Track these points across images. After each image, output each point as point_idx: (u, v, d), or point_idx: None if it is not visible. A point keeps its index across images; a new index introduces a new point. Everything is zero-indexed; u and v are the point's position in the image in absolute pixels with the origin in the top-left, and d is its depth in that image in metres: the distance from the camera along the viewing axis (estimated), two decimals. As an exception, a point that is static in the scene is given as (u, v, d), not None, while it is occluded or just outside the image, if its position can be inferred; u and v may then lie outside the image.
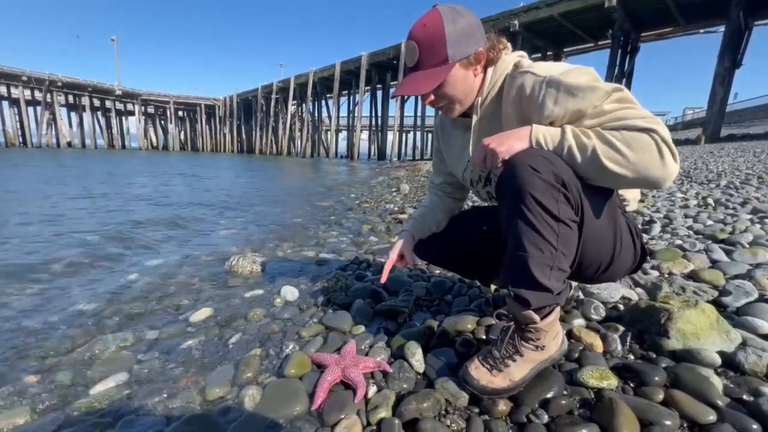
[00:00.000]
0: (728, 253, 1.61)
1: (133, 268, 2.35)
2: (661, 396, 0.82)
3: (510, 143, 0.81)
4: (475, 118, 0.98)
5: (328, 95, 36.17)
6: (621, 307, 1.24)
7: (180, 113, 58.43)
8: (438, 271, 1.84)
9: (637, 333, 1.06)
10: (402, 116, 28.09)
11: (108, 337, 1.40)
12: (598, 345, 1.02)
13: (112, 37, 54.36)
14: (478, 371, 0.88)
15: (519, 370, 0.88)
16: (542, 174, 0.76)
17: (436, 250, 1.30)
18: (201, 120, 56.78)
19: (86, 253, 2.67)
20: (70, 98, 46.35)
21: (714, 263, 1.53)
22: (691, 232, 2.03)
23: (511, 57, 0.94)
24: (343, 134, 41.92)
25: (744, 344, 0.96)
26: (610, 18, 16.59)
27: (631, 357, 0.99)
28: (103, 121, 50.87)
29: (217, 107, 55.02)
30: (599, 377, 0.88)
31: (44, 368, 1.23)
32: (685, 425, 0.75)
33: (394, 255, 1.22)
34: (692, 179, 4.27)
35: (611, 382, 0.87)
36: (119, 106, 51.95)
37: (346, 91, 35.59)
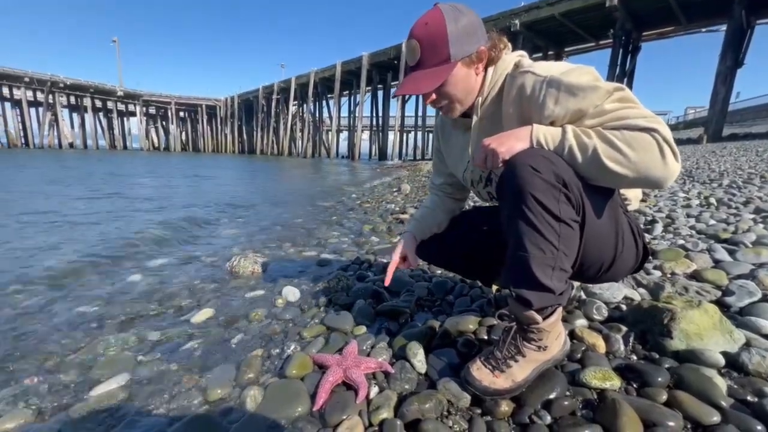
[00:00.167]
0: (731, 252, 1.60)
1: (135, 268, 2.36)
2: (664, 397, 0.81)
3: (510, 143, 0.81)
4: (475, 119, 0.98)
5: (329, 95, 36.20)
6: (623, 307, 1.23)
7: (181, 114, 58.55)
8: (439, 272, 1.84)
9: (640, 333, 1.05)
10: (403, 116, 28.09)
11: (110, 338, 1.40)
12: (601, 345, 1.02)
13: (113, 38, 54.53)
14: (480, 372, 0.88)
15: (521, 370, 0.87)
16: (543, 174, 0.75)
17: (437, 250, 1.30)
18: (202, 121, 56.88)
19: (88, 254, 2.67)
20: (72, 99, 46.54)
21: (717, 263, 1.52)
22: (694, 232, 2.02)
23: (511, 57, 0.93)
24: (344, 134, 41.95)
25: (748, 345, 0.95)
26: (612, 17, 16.56)
27: (634, 357, 0.99)
28: (104, 122, 51.07)
29: (219, 108, 55.10)
30: (602, 378, 0.87)
31: (46, 369, 1.24)
32: (688, 426, 0.75)
33: (396, 257, 1.22)
34: (694, 179, 4.25)
35: (614, 382, 0.86)
36: (121, 107, 52.13)
37: (347, 92, 35.62)
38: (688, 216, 2.39)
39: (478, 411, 0.86)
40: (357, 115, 30.36)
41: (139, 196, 6.24)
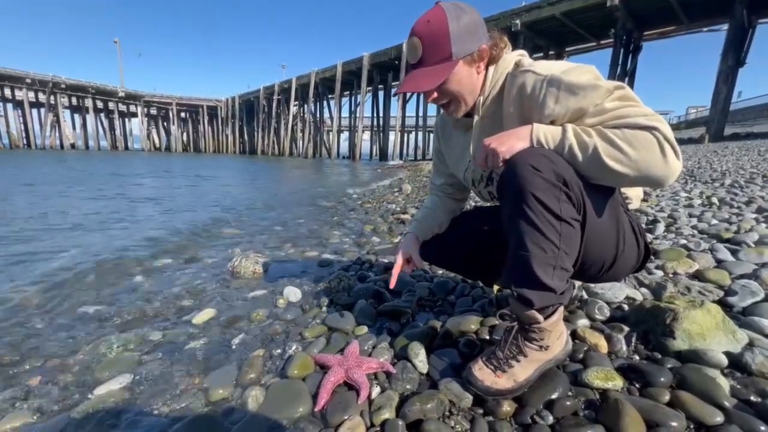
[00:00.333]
0: (733, 252, 1.60)
1: (137, 269, 2.36)
2: (667, 397, 0.81)
3: (511, 143, 0.81)
4: (476, 118, 0.98)
5: (329, 96, 36.20)
6: (625, 307, 1.23)
7: (182, 114, 58.62)
8: (441, 272, 1.84)
9: (642, 333, 1.05)
10: (404, 116, 28.06)
11: (111, 338, 1.40)
12: (603, 345, 1.02)
13: (114, 39, 54.64)
14: (482, 372, 0.88)
15: (523, 370, 0.87)
16: (543, 173, 0.75)
17: (437, 251, 1.30)
18: (203, 121, 56.94)
19: (89, 254, 2.68)
20: (74, 100, 46.65)
21: (719, 263, 1.52)
22: (696, 232, 2.02)
23: (512, 56, 0.93)
24: (344, 135, 41.98)
25: (751, 345, 0.95)
26: (613, 17, 16.53)
27: (637, 357, 0.98)
28: (106, 122, 51.14)
29: (220, 108, 55.16)
30: (604, 378, 0.87)
31: (48, 369, 1.24)
32: (691, 426, 0.75)
33: (400, 259, 1.22)
34: (696, 178, 4.24)
35: (616, 382, 0.86)
36: (122, 107, 52.21)
37: (348, 92, 35.62)
38: (690, 216, 2.38)
39: (480, 411, 0.86)
40: (358, 115, 30.35)
41: (140, 197, 6.25)
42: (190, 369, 1.20)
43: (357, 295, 1.62)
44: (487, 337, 1.13)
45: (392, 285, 1.21)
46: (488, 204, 1.25)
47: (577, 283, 1.31)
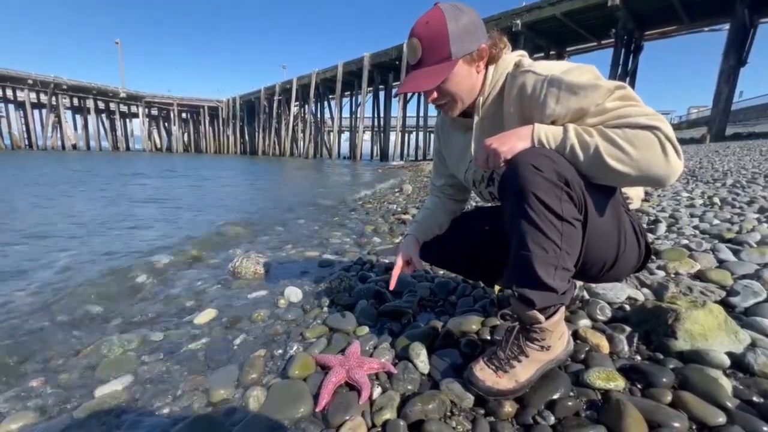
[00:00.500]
0: (735, 252, 1.59)
1: (138, 269, 2.36)
2: (669, 397, 0.81)
3: (512, 143, 0.81)
4: (476, 118, 0.98)
5: (330, 96, 36.20)
6: (627, 307, 1.22)
7: (183, 115, 58.67)
8: (442, 272, 1.84)
9: (644, 334, 1.05)
10: (404, 116, 28.05)
11: (113, 339, 1.40)
12: (605, 346, 1.01)
13: (116, 39, 54.74)
14: (484, 372, 0.88)
15: (524, 370, 0.87)
16: (545, 173, 0.75)
17: (438, 252, 1.30)
18: (204, 122, 56.97)
19: (91, 254, 2.68)
20: (75, 101, 46.72)
21: (721, 263, 1.51)
22: (698, 232, 2.01)
23: (511, 56, 0.94)
24: (345, 135, 41.98)
25: (753, 345, 0.95)
26: (613, 17, 16.50)
27: (638, 358, 0.98)
28: (107, 123, 51.20)
29: (221, 109, 55.20)
30: (606, 378, 0.87)
31: (50, 370, 1.24)
32: (693, 427, 0.74)
33: (401, 261, 1.22)
34: (698, 178, 4.23)
35: (618, 383, 0.86)
36: (123, 108, 52.26)
37: (349, 92, 35.61)
38: (692, 216, 2.38)
39: (482, 411, 0.86)
40: (358, 115, 30.36)
41: (141, 197, 6.26)
42: (192, 369, 1.20)
43: (358, 295, 1.62)
44: (489, 338, 1.13)
45: (392, 286, 1.21)
46: (489, 204, 1.25)
47: (579, 283, 1.31)
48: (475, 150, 1.02)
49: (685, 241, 1.82)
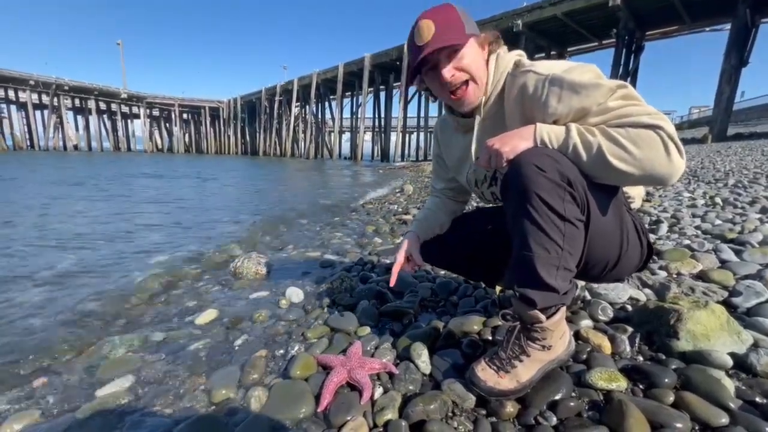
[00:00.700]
0: (737, 252, 1.59)
1: (139, 270, 2.37)
2: (671, 398, 0.81)
3: (514, 143, 0.81)
4: (477, 119, 0.98)
5: (331, 97, 36.22)
6: (629, 307, 1.22)
7: (184, 116, 58.75)
8: (443, 272, 1.84)
9: (646, 334, 1.04)
10: (405, 117, 28.04)
11: (115, 339, 1.40)
12: (607, 346, 1.01)
13: (117, 40, 54.87)
14: (485, 372, 0.88)
15: (526, 370, 0.87)
16: (547, 173, 0.75)
17: (439, 252, 1.29)
18: (205, 122, 57.02)
19: (92, 254, 2.69)
20: (77, 102, 46.82)
21: (723, 263, 1.51)
22: (699, 232, 2.01)
23: (510, 56, 0.94)
24: (346, 135, 41.98)
25: (756, 345, 0.94)
26: (615, 17, 16.48)
27: (640, 358, 0.98)
28: (108, 124, 51.31)
29: (222, 109, 55.26)
30: (608, 379, 0.87)
31: (52, 370, 1.24)
32: (696, 428, 0.74)
33: (401, 257, 1.21)
34: (699, 178, 4.23)
35: (620, 383, 0.86)
36: (125, 109, 52.36)
37: (350, 93, 35.63)
38: (694, 216, 2.37)
39: (483, 412, 0.86)
40: (359, 116, 30.37)
41: (143, 197, 6.27)
42: (193, 370, 1.20)
43: (359, 295, 1.62)
44: (490, 338, 1.13)
45: (392, 283, 1.20)
46: (490, 205, 1.25)
47: (580, 284, 1.31)
48: (477, 150, 1.02)
49: (687, 242, 1.81)
